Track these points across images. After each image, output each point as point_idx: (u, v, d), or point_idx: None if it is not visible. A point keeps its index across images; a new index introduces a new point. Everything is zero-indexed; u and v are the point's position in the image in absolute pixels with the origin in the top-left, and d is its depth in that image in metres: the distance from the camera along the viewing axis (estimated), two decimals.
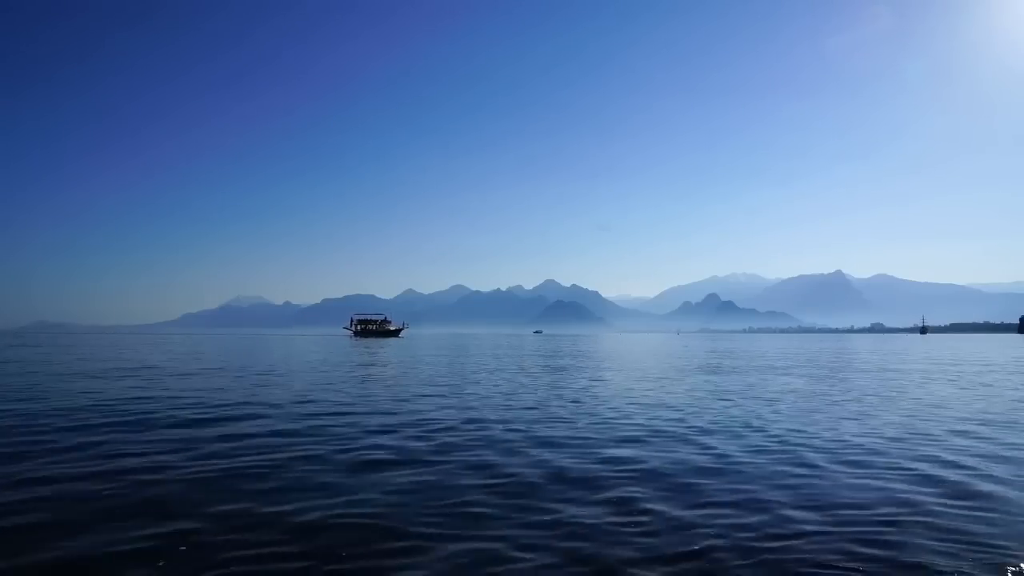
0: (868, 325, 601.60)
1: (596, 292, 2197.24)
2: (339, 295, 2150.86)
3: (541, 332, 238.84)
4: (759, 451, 6.49)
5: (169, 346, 42.59)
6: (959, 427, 8.13)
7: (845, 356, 31.34)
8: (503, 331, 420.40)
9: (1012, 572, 3.32)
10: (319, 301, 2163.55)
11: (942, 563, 3.42)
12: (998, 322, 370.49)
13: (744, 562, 3.46)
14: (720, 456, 6.22)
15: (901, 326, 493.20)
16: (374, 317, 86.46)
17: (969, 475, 5.43)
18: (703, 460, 5.97)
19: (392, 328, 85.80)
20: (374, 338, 74.95)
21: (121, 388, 12.62)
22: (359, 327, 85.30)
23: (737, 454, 6.34)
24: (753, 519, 4.17)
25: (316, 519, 4.13)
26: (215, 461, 5.77)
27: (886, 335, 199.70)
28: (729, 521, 4.11)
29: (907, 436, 7.32)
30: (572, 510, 4.32)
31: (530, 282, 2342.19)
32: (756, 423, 8.34)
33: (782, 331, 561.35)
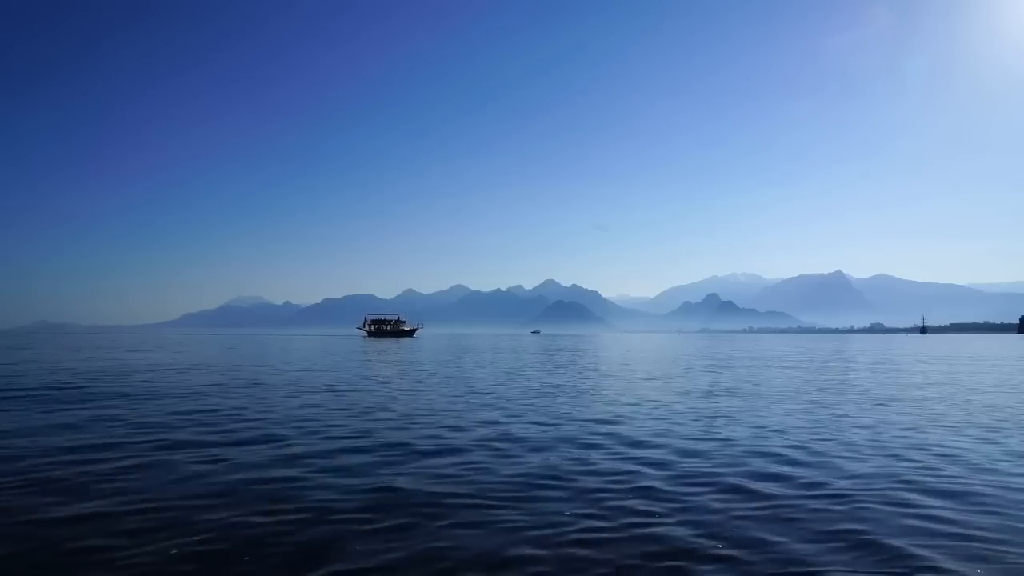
0: (868, 325, 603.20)
1: (596, 292, 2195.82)
2: (339, 295, 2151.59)
3: (539, 332, 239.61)
4: None
5: (213, 351, 43.15)
6: None
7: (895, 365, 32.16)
8: (503, 331, 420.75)
9: None
10: (319, 301, 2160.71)
11: None
12: (998, 322, 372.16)
13: None
14: None
15: (901, 326, 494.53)
16: (387, 317, 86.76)
17: None
18: None
19: (406, 328, 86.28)
20: (388, 338, 74.83)
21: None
22: (372, 327, 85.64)
23: None
24: None
25: None
26: None
27: (886, 335, 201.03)
28: None
29: None
30: None
31: (530, 282, 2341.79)
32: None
33: (782, 331, 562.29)
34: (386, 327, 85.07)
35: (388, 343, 54.58)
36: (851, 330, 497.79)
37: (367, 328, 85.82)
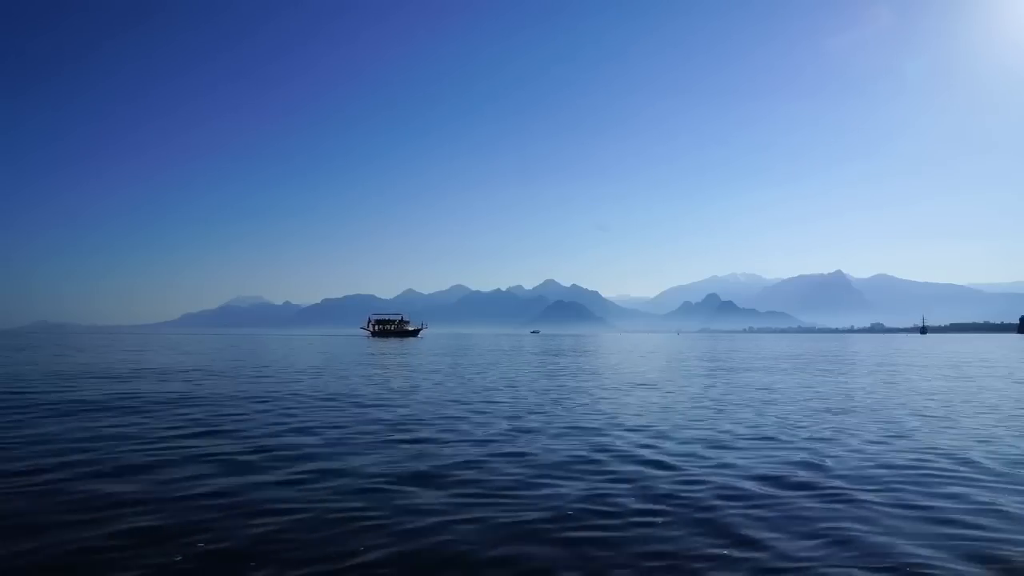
0: (868, 325, 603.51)
1: (596, 292, 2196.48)
2: (339, 295, 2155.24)
3: (538, 332, 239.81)
4: None
5: (243, 356, 43.62)
6: None
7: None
8: (503, 331, 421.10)
9: None
10: (319, 301, 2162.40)
11: None
12: (998, 322, 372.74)
13: None
14: None
15: (901, 326, 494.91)
16: (391, 317, 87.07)
17: None
18: None
19: (410, 328, 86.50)
20: (393, 338, 74.73)
21: None
22: (376, 327, 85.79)
23: None
24: None
25: None
26: None
27: (886, 335, 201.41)
28: None
29: None
30: None
31: (530, 282, 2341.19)
32: None
33: (782, 331, 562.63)
34: (390, 327, 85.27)
35: (394, 344, 54.26)
36: (851, 330, 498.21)
37: (371, 328, 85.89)
